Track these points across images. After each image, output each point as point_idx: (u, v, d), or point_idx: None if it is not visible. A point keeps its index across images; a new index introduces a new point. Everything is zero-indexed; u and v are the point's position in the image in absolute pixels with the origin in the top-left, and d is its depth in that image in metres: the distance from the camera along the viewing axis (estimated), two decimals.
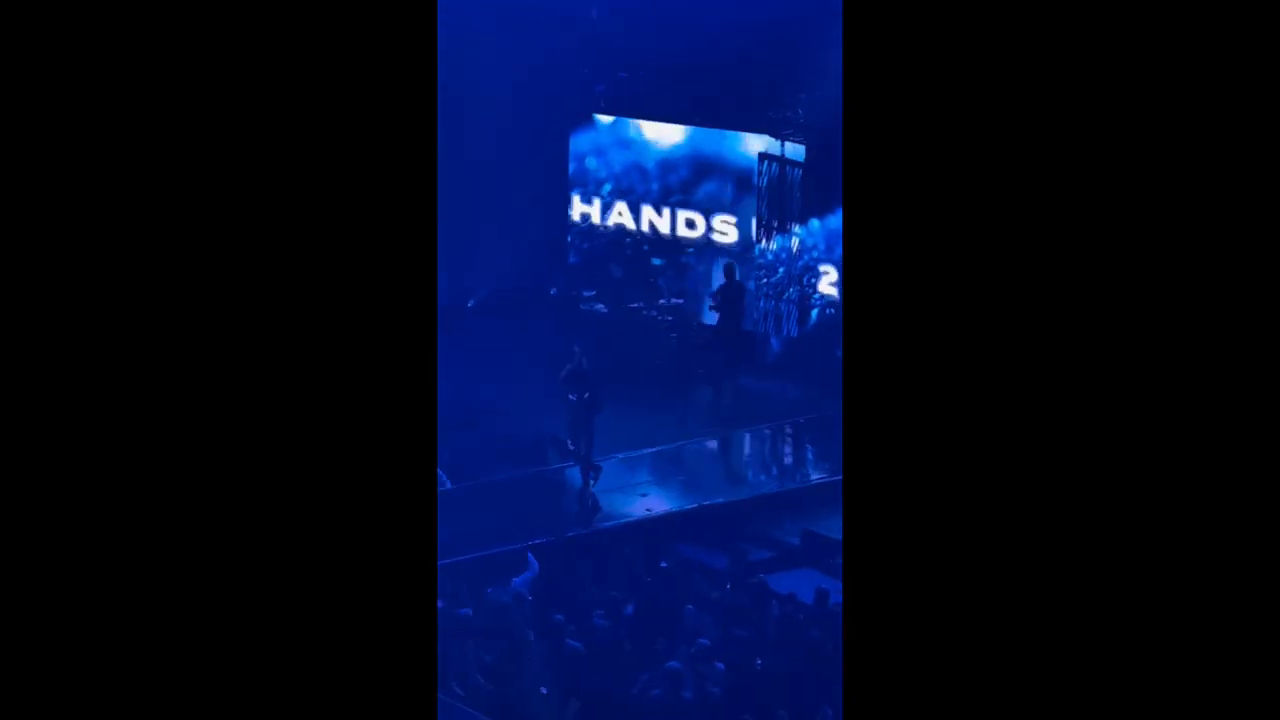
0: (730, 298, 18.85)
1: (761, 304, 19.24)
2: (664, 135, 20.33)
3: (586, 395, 15.51)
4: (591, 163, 20.81)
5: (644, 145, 20.45)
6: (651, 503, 15.58)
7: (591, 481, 15.52)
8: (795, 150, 18.88)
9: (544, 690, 11.45)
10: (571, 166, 20.85)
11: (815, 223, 18.84)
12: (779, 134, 19.03)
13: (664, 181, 20.38)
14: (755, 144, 19.33)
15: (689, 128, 20.06)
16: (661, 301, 20.29)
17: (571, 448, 15.71)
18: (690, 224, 20.18)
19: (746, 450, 17.70)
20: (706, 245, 20.08)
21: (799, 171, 18.84)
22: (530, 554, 13.47)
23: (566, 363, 15.66)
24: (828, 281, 18.77)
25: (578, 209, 20.91)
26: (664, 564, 13.37)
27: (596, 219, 20.81)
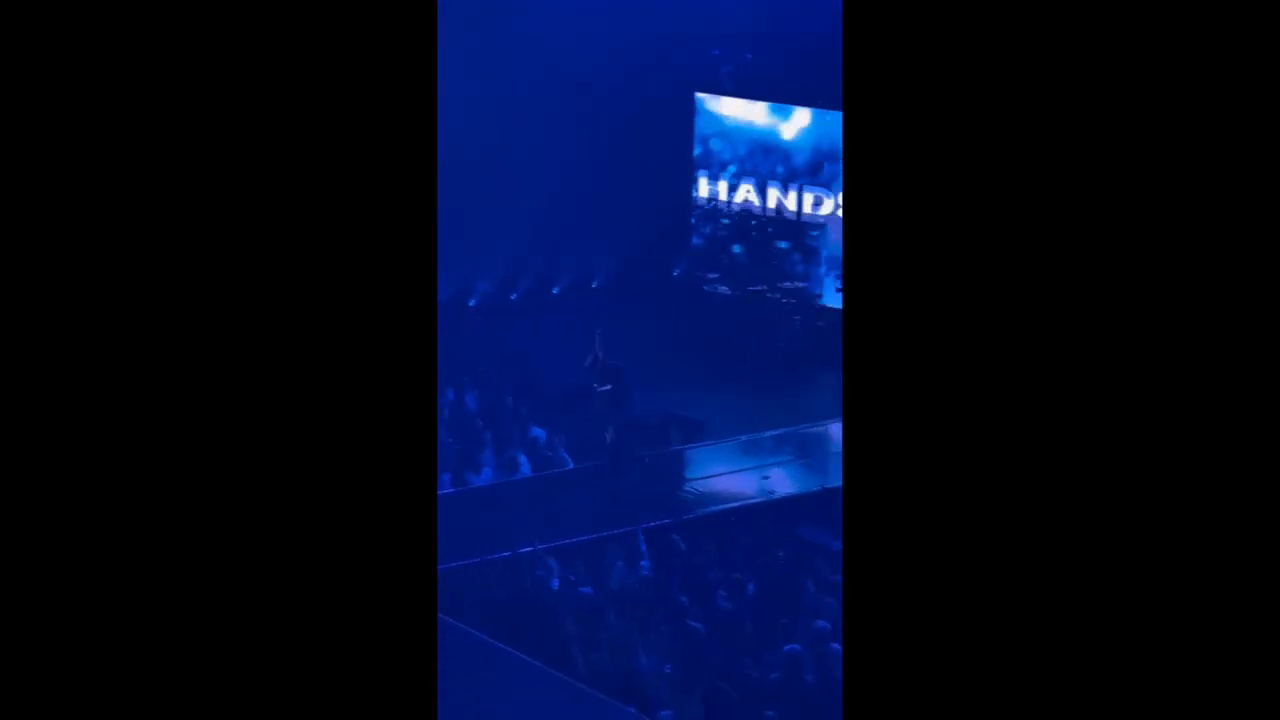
0: None
1: None
2: (789, 117, 20.32)
3: (609, 386, 15.42)
4: (716, 144, 20.85)
5: (768, 127, 20.46)
6: (774, 484, 15.62)
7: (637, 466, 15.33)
8: None
9: (668, 669, 11.56)
10: (696, 149, 20.90)
11: None
12: None
13: (788, 164, 20.38)
14: None
15: (813, 110, 20.03)
16: (785, 284, 20.29)
17: (608, 440, 15.50)
18: (818, 203, 20.16)
19: None
20: (831, 227, 20.04)
21: None
22: (640, 534, 13.57)
23: (589, 352, 15.52)
24: None
25: (703, 190, 20.96)
26: (781, 553, 13.40)
27: (723, 199, 20.85)
